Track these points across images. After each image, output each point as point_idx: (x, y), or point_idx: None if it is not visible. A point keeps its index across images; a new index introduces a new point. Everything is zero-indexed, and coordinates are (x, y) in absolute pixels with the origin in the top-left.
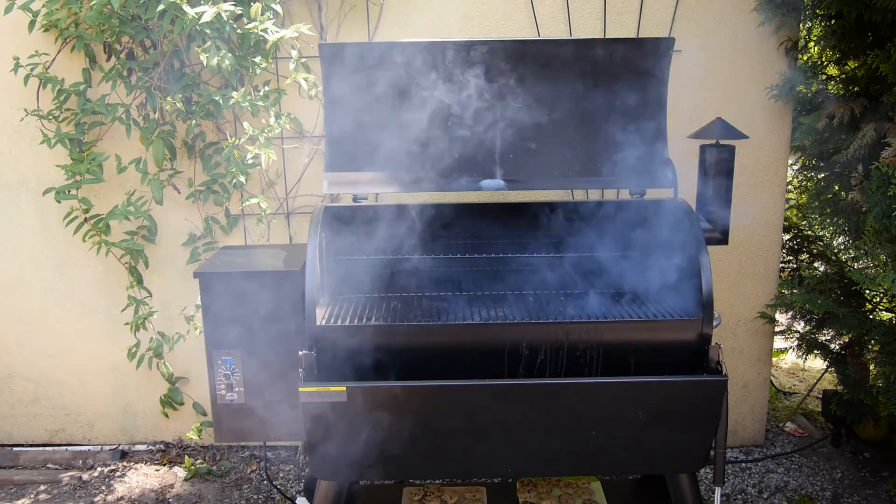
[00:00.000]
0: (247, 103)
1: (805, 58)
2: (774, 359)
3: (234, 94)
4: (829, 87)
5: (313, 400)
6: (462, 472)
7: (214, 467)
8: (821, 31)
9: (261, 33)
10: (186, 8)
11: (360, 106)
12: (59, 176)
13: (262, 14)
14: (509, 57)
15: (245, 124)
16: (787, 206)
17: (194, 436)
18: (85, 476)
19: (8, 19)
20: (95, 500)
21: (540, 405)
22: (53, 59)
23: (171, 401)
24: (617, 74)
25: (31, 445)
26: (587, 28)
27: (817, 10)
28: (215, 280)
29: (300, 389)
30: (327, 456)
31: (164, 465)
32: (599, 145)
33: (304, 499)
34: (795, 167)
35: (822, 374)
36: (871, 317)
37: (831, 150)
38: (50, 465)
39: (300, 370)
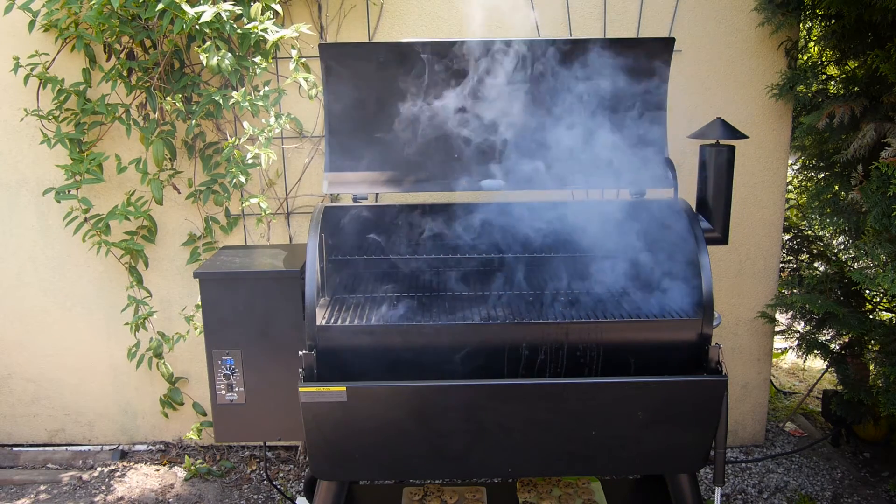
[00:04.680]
0: (247, 103)
1: (805, 58)
2: (774, 359)
3: (234, 94)
4: (829, 87)
5: (313, 400)
6: (462, 472)
7: (214, 467)
8: (821, 31)
9: (261, 33)
10: (186, 8)
11: (360, 106)
12: (59, 176)
13: (262, 14)
14: (509, 57)
15: (245, 124)
16: (787, 206)
17: (194, 436)
18: (85, 476)
19: (8, 19)
20: (95, 500)
21: (540, 405)
22: (53, 59)
23: (170, 401)
24: (617, 74)
25: (31, 445)
26: (587, 28)
27: (817, 10)
28: (215, 280)
29: (300, 389)
30: (327, 456)
31: (164, 465)
32: (599, 145)
33: (304, 499)
34: (795, 167)
35: (822, 374)
36: (871, 317)
37: (831, 150)
38: (50, 465)
39: (300, 370)
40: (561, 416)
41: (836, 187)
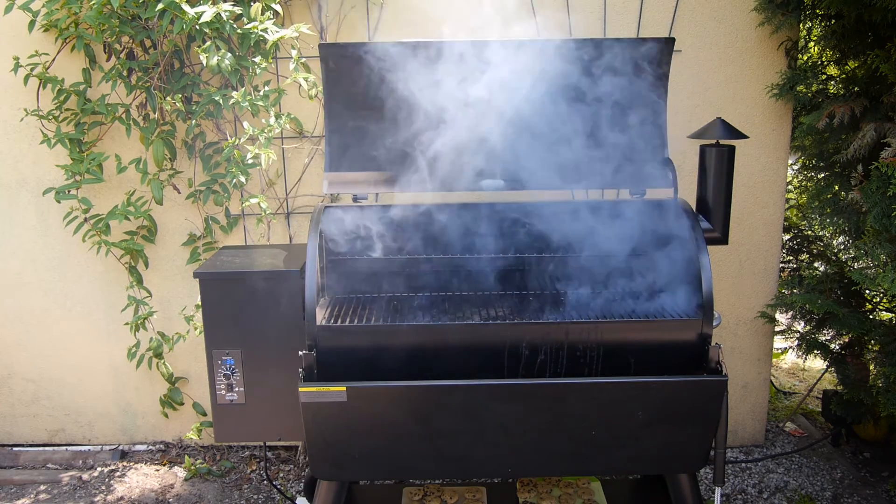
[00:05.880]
0: (247, 103)
1: (805, 58)
2: (774, 359)
3: (234, 94)
4: (829, 87)
5: (313, 400)
6: (462, 472)
7: (214, 467)
8: (821, 31)
9: (261, 33)
10: (186, 8)
11: (360, 106)
12: (59, 176)
13: (262, 14)
14: (509, 57)
15: (245, 124)
16: (787, 206)
17: (194, 436)
18: (85, 476)
19: (8, 19)
20: (95, 500)
21: (540, 405)
22: (53, 59)
23: (170, 401)
24: (617, 74)
25: (31, 445)
26: (587, 28)
27: (817, 10)
28: (215, 280)
29: (300, 389)
30: (327, 456)
31: (164, 465)
32: (599, 145)
33: (304, 499)
34: (795, 167)
35: (822, 374)
36: (871, 317)
37: (831, 150)
38: (50, 465)
39: (300, 370)
40: (561, 416)
41: (836, 187)
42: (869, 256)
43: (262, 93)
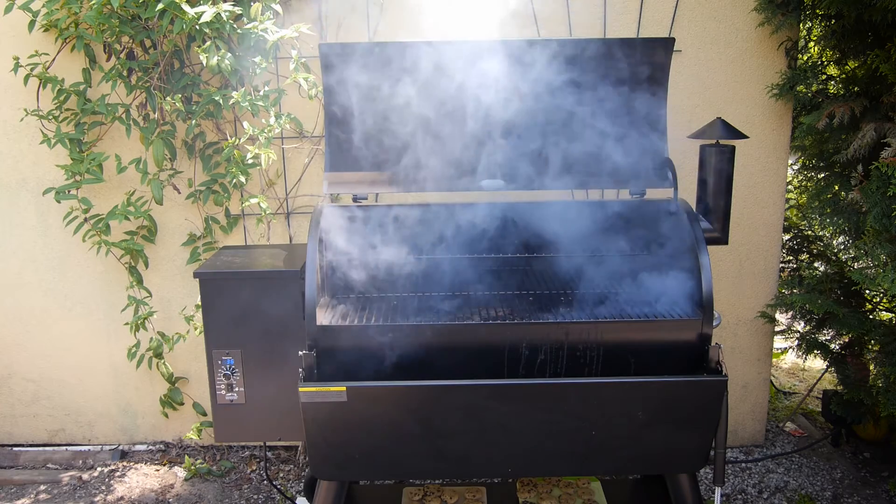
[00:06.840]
0: (247, 103)
1: (805, 58)
2: (774, 359)
3: (234, 94)
4: (829, 87)
5: (313, 400)
6: (462, 472)
7: (214, 467)
8: (821, 31)
9: (261, 33)
10: (186, 8)
11: (360, 106)
12: (59, 176)
13: (262, 14)
14: (509, 57)
15: (245, 124)
16: (787, 206)
17: (194, 436)
18: (85, 476)
19: (8, 19)
20: (95, 500)
21: (540, 405)
22: (53, 59)
23: (170, 401)
24: (617, 74)
25: (31, 445)
26: (587, 28)
27: (817, 10)
28: (215, 280)
29: (300, 389)
30: (327, 456)
31: (164, 465)
32: (599, 145)
33: (304, 499)
34: (795, 167)
35: (822, 374)
36: (871, 317)
37: (831, 150)
38: (50, 465)
39: (300, 370)
40: (561, 416)
41: (836, 187)
42: (869, 256)
43: (262, 93)
